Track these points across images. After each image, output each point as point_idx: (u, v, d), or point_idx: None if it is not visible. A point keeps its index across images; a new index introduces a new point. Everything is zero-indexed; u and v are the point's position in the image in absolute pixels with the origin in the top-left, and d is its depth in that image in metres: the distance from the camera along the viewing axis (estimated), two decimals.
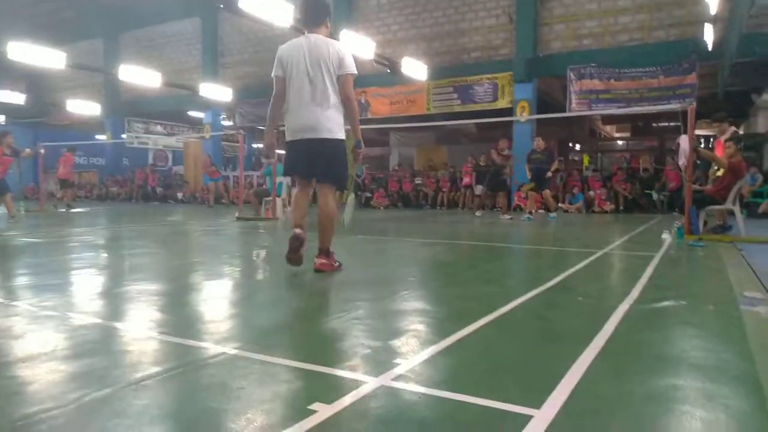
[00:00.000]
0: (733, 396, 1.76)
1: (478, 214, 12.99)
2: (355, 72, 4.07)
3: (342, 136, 4.09)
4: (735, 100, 17.11)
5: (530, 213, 11.59)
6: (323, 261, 4.14)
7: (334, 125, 3.99)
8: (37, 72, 22.88)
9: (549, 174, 11.54)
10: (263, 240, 7.15)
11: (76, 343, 2.30)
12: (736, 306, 3.06)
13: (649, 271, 4.32)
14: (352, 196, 5.10)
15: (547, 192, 11.63)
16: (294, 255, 4.05)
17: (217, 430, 1.48)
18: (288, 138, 4.12)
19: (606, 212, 14.29)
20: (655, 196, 14.47)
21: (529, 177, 11.60)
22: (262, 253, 5.94)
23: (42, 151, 15.18)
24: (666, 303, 3.17)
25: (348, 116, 4.12)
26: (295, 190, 4.46)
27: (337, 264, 4.25)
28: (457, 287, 3.82)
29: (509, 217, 11.75)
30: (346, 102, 4.05)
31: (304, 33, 4.13)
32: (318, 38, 4.02)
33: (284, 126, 4.17)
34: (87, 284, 3.81)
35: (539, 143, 11.88)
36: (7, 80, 22.90)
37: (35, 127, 25.99)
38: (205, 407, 1.64)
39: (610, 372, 1.99)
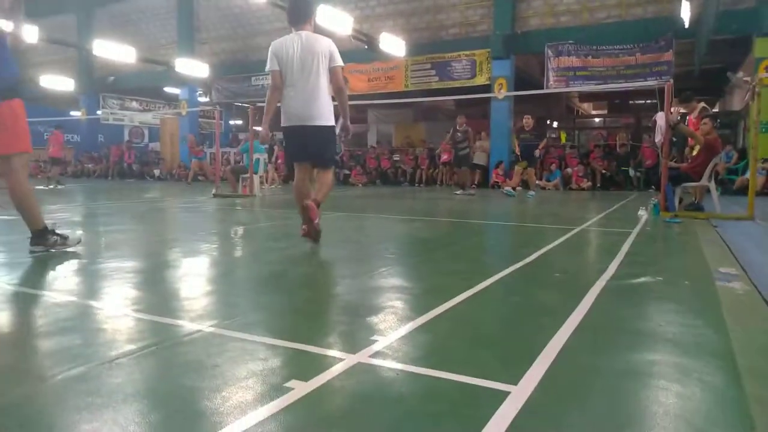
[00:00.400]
0: (709, 371, 1.78)
1: (460, 192, 12.89)
2: (343, 64, 4.48)
3: (333, 122, 4.50)
4: (711, 78, 17.27)
5: (513, 189, 11.64)
6: (314, 207, 4.32)
7: (326, 113, 4.41)
8: None
9: (537, 152, 11.70)
10: (240, 217, 7.08)
11: (50, 321, 2.26)
12: (711, 282, 3.11)
13: (625, 247, 4.37)
14: None
15: (530, 170, 11.80)
16: (310, 225, 4.27)
17: (192, 408, 1.46)
18: (284, 123, 4.45)
19: (583, 189, 14.42)
20: (631, 172, 14.63)
21: (450, 159, 12.17)
22: (239, 230, 5.88)
23: None
24: (642, 279, 3.21)
25: (340, 104, 4.56)
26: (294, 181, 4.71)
27: (317, 222, 4.34)
28: (434, 263, 3.82)
29: (461, 192, 11.95)
30: (338, 91, 4.47)
31: (291, 30, 4.50)
32: (309, 35, 4.41)
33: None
34: (60, 261, 3.73)
35: (461, 121, 12.39)
36: None
37: None
38: (181, 385, 1.62)
39: (587, 347, 2.01)
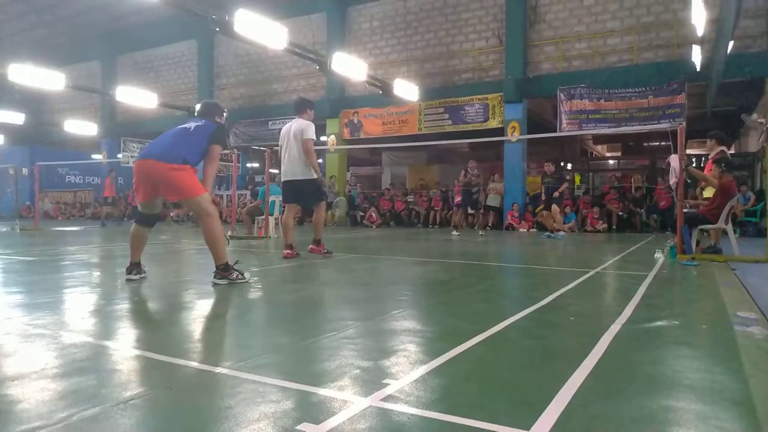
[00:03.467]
0: (727, 418, 1.74)
1: (454, 233, 13.09)
2: (312, 137, 6.60)
3: (309, 176, 6.65)
4: (724, 120, 17.32)
5: (553, 231, 12.05)
6: (313, 247, 7.00)
7: (303, 171, 6.65)
8: (36, 93, 23.00)
9: (556, 193, 12.09)
10: (254, 259, 7.12)
11: (66, 362, 2.28)
12: (729, 326, 3.06)
13: (641, 290, 4.33)
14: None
15: (555, 208, 12.26)
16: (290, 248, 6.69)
17: None
18: (282, 179, 6.96)
19: (599, 231, 14.34)
20: (644, 217, 14.55)
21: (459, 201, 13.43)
22: (254, 271, 5.91)
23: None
24: (659, 323, 3.18)
25: (309, 162, 6.65)
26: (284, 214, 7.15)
27: (326, 251, 6.94)
28: (448, 306, 3.81)
29: (482, 233, 12.59)
30: (306, 154, 6.61)
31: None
32: (298, 121, 6.73)
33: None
34: (78, 303, 3.78)
35: (473, 165, 13.39)
36: (6, 102, 22.93)
37: (32, 147, 25.97)
38: (194, 426, 1.63)
39: (602, 392, 1.98)
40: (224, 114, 5.06)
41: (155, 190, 4.49)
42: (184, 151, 4.35)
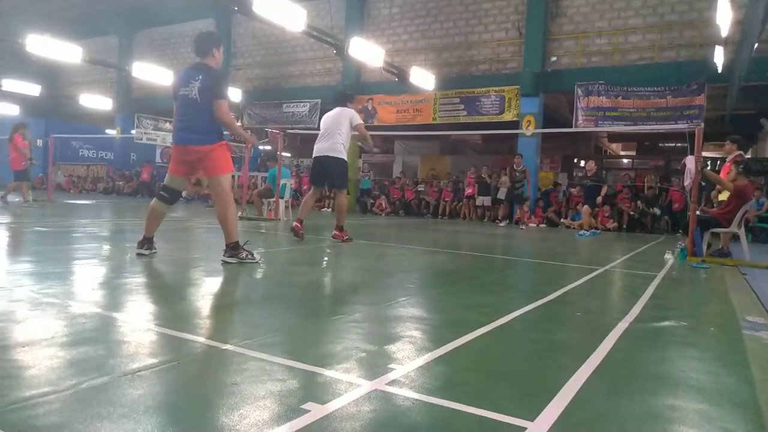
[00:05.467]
0: (732, 420, 1.74)
1: (502, 224, 14.18)
2: (362, 123, 7.14)
3: (342, 156, 6.83)
4: (743, 123, 17.09)
5: (594, 228, 12.68)
6: (336, 233, 6.99)
7: (337, 150, 6.84)
8: (53, 65, 23.08)
9: (599, 198, 13.07)
10: (264, 240, 7.16)
11: (75, 331, 2.31)
12: (738, 330, 3.04)
13: (650, 290, 4.30)
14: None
15: (587, 209, 12.98)
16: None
17: (210, 424, 1.48)
18: (314, 155, 7.02)
19: (608, 230, 14.25)
20: (657, 211, 14.41)
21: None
22: (262, 252, 5.94)
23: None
24: (666, 323, 3.16)
25: (366, 142, 7.39)
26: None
27: (347, 237, 6.93)
28: (455, 296, 3.81)
29: (523, 227, 13.27)
30: (363, 138, 7.25)
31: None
32: (347, 109, 6.99)
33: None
34: (88, 274, 3.81)
35: (518, 161, 14.01)
36: (23, 72, 23.05)
37: (47, 119, 26.13)
38: (200, 401, 1.64)
39: (607, 388, 1.98)
40: (221, 46, 4.81)
41: (192, 169, 4.58)
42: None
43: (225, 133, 4.58)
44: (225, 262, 4.47)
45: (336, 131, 6.80)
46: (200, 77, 4.37)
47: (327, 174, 6.94)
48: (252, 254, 4.59)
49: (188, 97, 4.36)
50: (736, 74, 12.61)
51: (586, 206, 12.99)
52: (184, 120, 4.40)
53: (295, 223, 6.91)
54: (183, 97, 4.39)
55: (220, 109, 4.36)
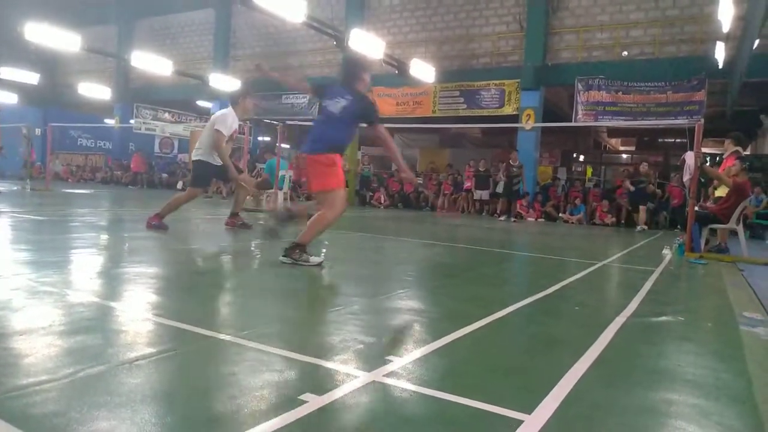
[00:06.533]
0: (729, 415, 1.75)
1: (501, 219, 14.01)
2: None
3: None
4: (743, 120, 17.08)
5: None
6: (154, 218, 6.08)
7: None
8: (51, 54, 22.96)
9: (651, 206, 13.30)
10: (261, 232, 7.14)
11: (72, 320, 2.30)
12: (735, 325, 3.05)
13: (647, 285, 4.31)
14: None
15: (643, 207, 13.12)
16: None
17: (208, 413, 1.48)
18: None
19: (606, 225, 14.25)
20: (649, 206, 14.39)
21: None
22: (260, 244, 5.93)
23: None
24: (664, 318, 3.17)
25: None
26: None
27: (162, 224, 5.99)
28: (453, 289, 3.81)
29: (514, 219, 13.58)
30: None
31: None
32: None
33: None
34: (86, 263, 3.81)
35: (514, 157, 14.14)
36: (22, 61, 22.94)
37: (45, 108, 26.03)
38: (197, 390, 1.64)
39: (604, 382, 1.99)
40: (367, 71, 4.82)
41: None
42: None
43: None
44: (282, 261, 4.14)
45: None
46: (349, 98, 4.43)
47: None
48: (307, 259, 4.19)
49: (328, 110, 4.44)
50: (736, 70, 12.58)
51: (642, 207, 13.16)
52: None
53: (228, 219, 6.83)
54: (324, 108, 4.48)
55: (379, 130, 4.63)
